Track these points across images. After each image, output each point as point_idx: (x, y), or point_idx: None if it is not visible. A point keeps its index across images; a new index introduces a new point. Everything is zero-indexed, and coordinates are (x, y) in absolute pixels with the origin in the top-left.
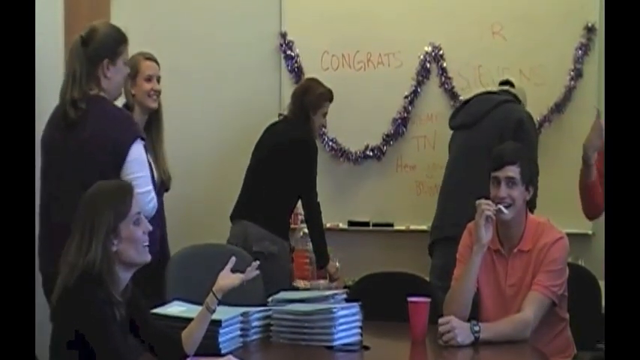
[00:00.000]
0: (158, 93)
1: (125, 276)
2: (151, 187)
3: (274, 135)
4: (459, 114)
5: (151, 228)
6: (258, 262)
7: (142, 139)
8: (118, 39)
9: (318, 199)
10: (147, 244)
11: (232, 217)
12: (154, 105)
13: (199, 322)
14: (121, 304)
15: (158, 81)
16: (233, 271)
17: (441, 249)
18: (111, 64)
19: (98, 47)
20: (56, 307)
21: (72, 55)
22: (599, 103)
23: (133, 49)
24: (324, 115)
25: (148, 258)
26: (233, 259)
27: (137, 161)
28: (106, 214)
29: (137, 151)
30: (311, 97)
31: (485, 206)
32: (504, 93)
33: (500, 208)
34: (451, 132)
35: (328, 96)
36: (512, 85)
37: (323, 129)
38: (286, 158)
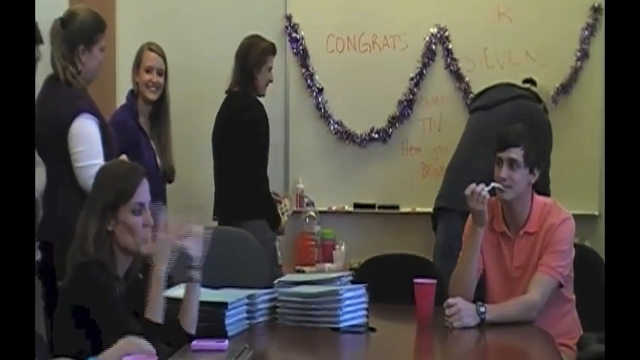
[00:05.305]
0: (157, 85)
1: (125, 260)
2: (91, 161)
3: (219, 117)
4: (479, 98)
5: (152, 223)
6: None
7: (92, 113)
8: (95, 26)
9: (322, 182)
10: (144, 237)
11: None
12: (152, 97)
13: (189, 297)
14: (123, 290)
15: (160, 74)
16: None
17: (443, 223)
18: (86, 50)
19: (75, 32)
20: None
21: (51, 35)
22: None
23: (136, 35)
24: (270, 69)
25: (142, 250)
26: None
27: (77, 136)
28: (107, 191)
29: (78, 126)
30: (253, 56)
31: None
32: (526, 90)
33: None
34: (458, 115)
35: (271, 49)
36: (534, 83)
37: (325, 108)
38: (232, 138)
